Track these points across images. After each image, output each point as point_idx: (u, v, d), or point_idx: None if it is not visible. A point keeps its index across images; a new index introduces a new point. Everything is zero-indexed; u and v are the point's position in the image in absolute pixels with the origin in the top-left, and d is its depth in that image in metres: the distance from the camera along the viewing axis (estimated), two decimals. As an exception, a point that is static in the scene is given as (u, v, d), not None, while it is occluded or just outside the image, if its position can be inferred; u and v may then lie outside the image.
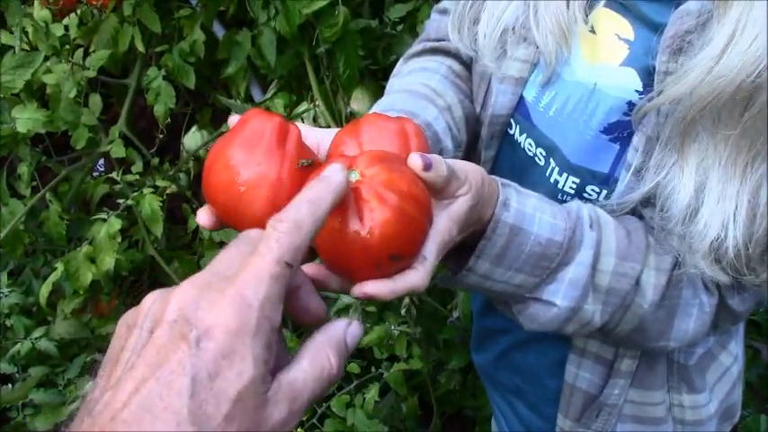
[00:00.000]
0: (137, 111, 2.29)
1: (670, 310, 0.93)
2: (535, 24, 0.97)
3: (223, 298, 0.51)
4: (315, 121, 1.94)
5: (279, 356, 0.54)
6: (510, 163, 1.07)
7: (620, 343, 1.03)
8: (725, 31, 0.80)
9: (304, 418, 1.85)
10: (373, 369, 1.97)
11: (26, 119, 1.77)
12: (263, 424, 0.50)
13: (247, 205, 0.74)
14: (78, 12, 2.03)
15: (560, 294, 0.88)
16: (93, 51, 1.99)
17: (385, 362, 1.96)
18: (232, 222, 0.76)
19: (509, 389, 1.30)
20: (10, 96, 1.79)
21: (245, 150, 0.74)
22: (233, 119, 0.79)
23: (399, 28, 1.93)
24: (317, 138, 0.84)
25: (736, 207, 0.84)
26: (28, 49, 1.94)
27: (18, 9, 1.85)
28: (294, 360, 0.54)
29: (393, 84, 1.12)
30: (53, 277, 1.84)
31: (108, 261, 1.81)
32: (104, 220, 1.82)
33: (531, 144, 1.03)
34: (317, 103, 1.94)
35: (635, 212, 0.95)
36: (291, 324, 1.95)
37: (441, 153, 0.99)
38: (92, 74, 1.94)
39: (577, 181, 0.98)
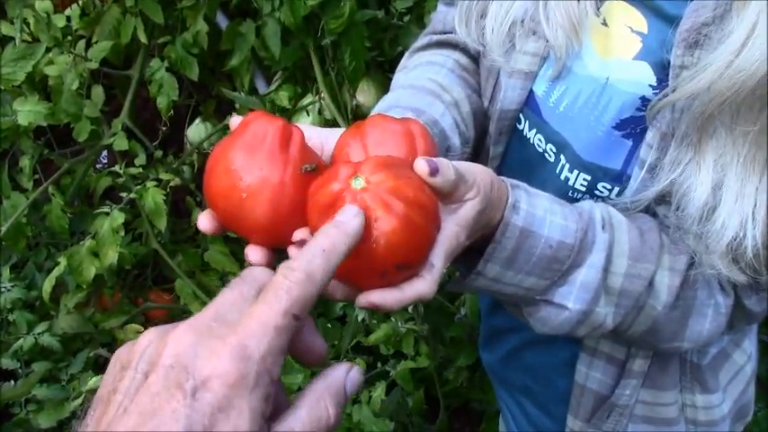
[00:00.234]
0: (139, 102, 2.27)
1: (684, 311, 0.91)
2: (545, 17, 0.95)
3: (223, 347, 0.49)
4: (320, 114, 1.92)
5: (277, 397, 0.52)
6: (519, 159, 1.05)
7: (633, 344, 1.02)
8: (745, 24, 0.78)
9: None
10: (379, 365, 1.95)
11: (28, 111, 1.76)
12: None
13: (249, 211, 0.72)
14: (80, 2, 2.01)
15: (572, 297, 0.86)
16: (96, 42, 1.97)
17: (391, 358, 1.95)
18: (234, 228, 0.75)
19: (518, 388, 1.28)
20: (11, 88, 1.78)
21: (246, 154, 0.72)
22: (235, 120, 0.77)
23: (406, 19, 1.91)
24: (321, 139, 0.82)
25: (756, 205, 0.82)
26: (29, 40, 1.92)
27: (19, 0, 1.82)
28: (291, 408, 0.52)
29: (398, 79, 1.10)
30: (56, 272, 1.83)
31: (111, 255, 1.80)
32: (107, 214, 1.81)
33: (540, 140, 1.00)
34: (322, 95, 1.92)
35: (648, 210, 0.92)
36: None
37: (448, 150, 0.97)
38: (94, 65, 1.93)
39: (589, 178, 0.96)
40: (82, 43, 1.95)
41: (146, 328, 2.00)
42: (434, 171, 0.71)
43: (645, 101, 0.90)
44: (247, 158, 0.72)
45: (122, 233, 1.81)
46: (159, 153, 2.12)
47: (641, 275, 0.88)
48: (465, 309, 1.90)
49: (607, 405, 1.07)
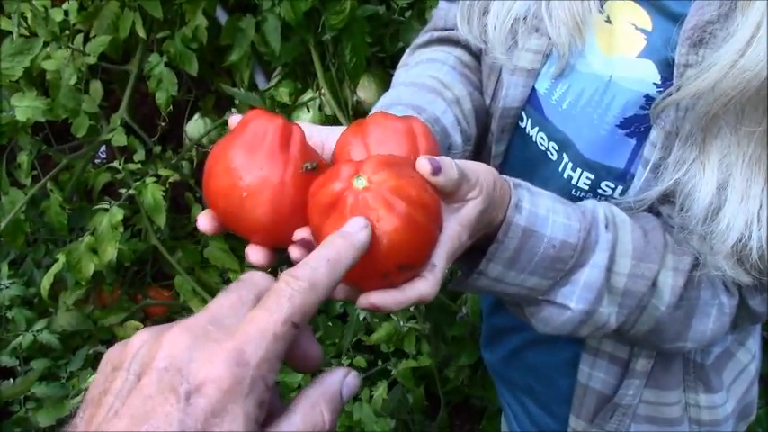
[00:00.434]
0: (138, 97, 2.27)
1: (688, 311, 0.90)
2: (547, 14, 0.94)
3: (220, 351, 0.48)
4: (320, 110, 1.91)
5: (271, 402, 0.51)
6: (521, 158, 1.04)
7: (636, 344, 1.01)
8: (750, 23, 0.77)
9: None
10: (380, 362, 1.95)
11: (25, 107, 1.75)
12: None
13: (249, 211, 0.72)
14: (78, -4, 1.99)
15: (574, 297, 0.86)
16: (94, 37, 1.96)
17: (392, 356, 1.94)
18: (234, 228, 0.74)
19: (520, 387, 1.28)
20: (9, 84, 1.76)
21: (246, 153, 0.72)
22: (234, 119, 0.76)
23: (407, 14, 1.90)
24: (322, 137, 0.81)
25: (761, 206, 0.81)
26: (27, 35, 1.91)
27: (16, -6, 1.82)
28: (286, 413, 0.51)
29: (399, 76, 1.09)
30: (55, 268, 1.82)
31: (110, 252, 1.79)
32: (106, 210, 1.80)
33: (543, 138, 1.00)
34: (322, 91, 1.91)
35: (652, 210, 0.92)
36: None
37: (449, 148, 0.96)
38: (92, 60, 1.92)
39: (592, 177, 0.96)
40: (80, 38, 1.93)
41: (145, 325, 2.01)
42: (437, 170, 0.70)
43: (649, 99, 0.89)
44: (247, 157, 0.71)
45: (121, 229, 1.81)
46: (158, 149, 2.11)
47: (645, 275, 0.87)
48: (466, 308, 1.89)
49: (610, 405, 1.06)
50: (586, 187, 0.96)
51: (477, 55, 1.10)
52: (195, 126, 2.21)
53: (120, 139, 1.94)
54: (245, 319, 0.50)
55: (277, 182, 0.71)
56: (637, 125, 0.91)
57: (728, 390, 1.11)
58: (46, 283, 1.84)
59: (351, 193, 0.67)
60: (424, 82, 1.02)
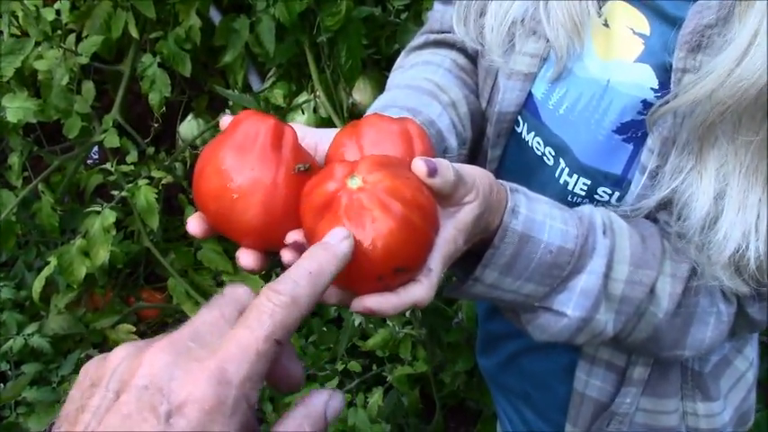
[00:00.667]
0: (131, 97, 2.25)
1: (686, 318, 0.89)
2: (545, 17, 0.93)
3: (201, 370, 0.46)
4: (315, 112, 1.90)
5: (248, 423, 0.50)
6: (517, 162, 1.03)
7: (633, 351, 1.00)
8: (747, 31, 0.76)
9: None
10: (374, 367, 1.93)
11: (17, 108, 1.74)
12: None
13: (241, 213, 0.70)
14: (70, -5, 1.98)
15: (571, 304, 0.84)
16: (86, 37, 1.95)
17: (387, 361, 1.93)
18: (225, 231, 0.73)
19: (516, 394, 1.26)
20: (0, 84, 1.75)
21: (237, 154, 0.71)
22: (225, 120, 0.75)
23: (404, 16, 1.89)
24: (315, 139, 0.80)
25: (758, 216, 0.80)
26: (18, 34, 1.90)
27: (7, -7, 1.81)
28: None
29: (394, 78, 1.07)
30: (46, 271, 1.81)
31: (102, 254, 1.78)
32: (98, 213, 1.78)
33: (539, 143, 0.98)
34: (317, 93, 1.90)
35: (649, 216, 0.91)
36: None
37: (445, 152, 0.95)
38: (84, 60, 1.91)
39: (588, 182, 0.95)
40: (72, 37, 1.92)
41: (138, 328, 2.00)
42: (433, 171, 0.69)
43: (646, 104, 0.88)
44: (238, 158, 0.70)
45: (114, 232, 1.79)
46: (151, 150, 2.10)
47: (643, 282, 0.86)
48: (462, 314, 1.88)
49: (607, 413, 1.05)
50: (583, 193, 0.95)
51: (473, 57, 1.09)
52: (188, 127, 2.20)
53: (112, 140, 1.93)
54: (227, 337, 0.49)
55: (269, 183, 0.70)
56: (634, 130, 0.90)
57: (726, 398, 1.09)
58: (37, 286, 1.82)
59: (345, 194, 0.66)
60: (419, 84, 1.01)
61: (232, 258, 2.03)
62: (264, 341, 0.49)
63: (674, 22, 0.84)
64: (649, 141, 0.87)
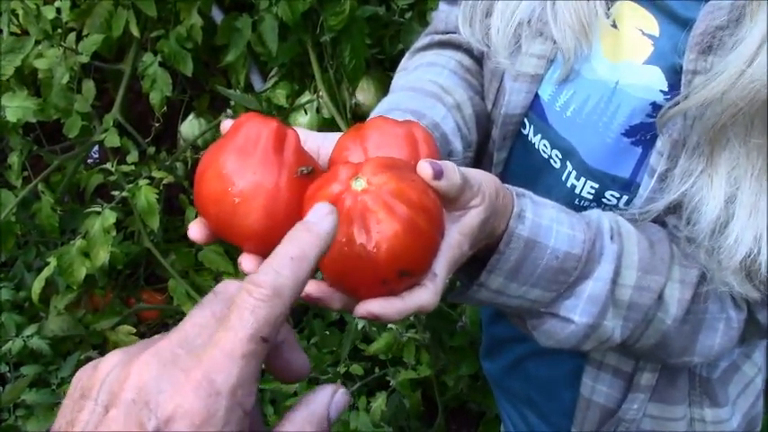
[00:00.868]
0: (132, 96, 2.24)
1: (695, 325, 0.88)
2: (552, 18, 0.92)
3: (187, 381, 0.44)
4: (318, 113, 1.89)
5: (253, 425, 0.48)
6: (523, 165, 1.01)
7: (641, 357, 0.99)
8: (758, 31, 0.74)
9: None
10: (377, 369, 1.92)
11: (16, 107, 1.73)
12: None
13: (242, 217, 0.69)
14: (70, -7, 1.97)
15: (578, 310, 0.83)
16: (87, 35, 1.94)
17: (390, 364, 1.92)
18: (226, 236, 0.72)
19: (520, 398, 1.25)
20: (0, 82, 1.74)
21: (239, 158, 0.69)
22: (226, 123, 0.74)
23: (408, 15, 1.88)
24: (318, 143, 0.79)
25: None
26: (18, 33, 1.89)
27: (7, -9, 1.79)
28: None
29: (398, 80, 1.06)
30: (46, 272, 1.80)
31: (102, 255, 1.77)
32: (99, 213, 1.77)
33: (546, 146, 0.97)
34: (320, 93, 1.89)
35: (657, 219, 0.89)
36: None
37: (450, 155, 0.94)
38: (85, 59, 1.90)
39: (596, 186, 0.93)
40: (72, 36, 1.91)
41: (138, 329, 1.98)
42: (439, 174, 0.68)
43: (656, 107, 0.86)
44: (240, 162, 0.69)
45: (114, 233, 1.78)
46: (152, 150, 2.09)
47: (651, 288, 0.85)
48: (466, 317, 1.87)
49: (614, 419, 1.04)
50: (590, 197, 0.94)
51: (478, 59, 1.08)
52: (190, 127, 2.18)
53: (113, 139, 1.92)
54: (211, 342, 0.46)
55: (271, 187, 0.69)
56: (643, 133, 0.89)
57: (734, 404, 1.08)
58: (37, 287, 1.81)
59: (349, 195, 0.65)
60: (423, 86, 0.99)
61: (233, 259, 2.02)
62: (249, 341, 0.45)
63: (685, 24, 0.83)
64: (659, 144, 0.86)
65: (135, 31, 1.93)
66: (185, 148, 2.14)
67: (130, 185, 1.85)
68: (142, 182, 1.86)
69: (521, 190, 0.81)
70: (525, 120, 0.99)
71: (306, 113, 1.90)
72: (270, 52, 1.86)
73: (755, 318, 0.89)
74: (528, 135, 1.00)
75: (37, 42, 1.82)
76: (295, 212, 0.68)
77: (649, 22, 0.87)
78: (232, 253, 2.04)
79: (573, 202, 0.95)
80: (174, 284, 2.02)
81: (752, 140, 0.78)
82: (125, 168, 1.92)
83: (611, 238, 0.84)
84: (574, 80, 0.93)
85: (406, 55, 1.14)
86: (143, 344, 0.48)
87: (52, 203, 1.88)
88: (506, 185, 0.79)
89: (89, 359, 1.87)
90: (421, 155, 0.74)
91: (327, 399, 0.50)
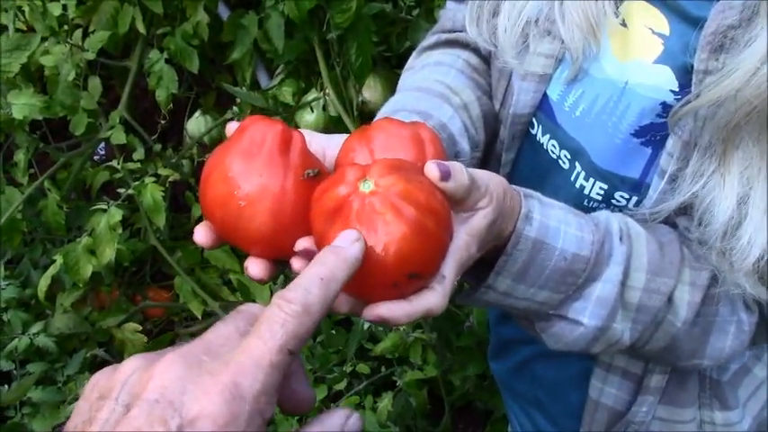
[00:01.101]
0: (138, 92, 2.24)
1: (705, 327, 0.87)
2: (560, 17, 0.90)
3: (214, 385, 0.45)
4: (324, 110, 1.88)
5: None
6: (531, 166, 1.01)
7: (651, 360, 0.98)
8: None
9: (310, 419, 1.81)
10: (383, 369, 1.92)
11: (22, 104, 1.72)
12: None
13: (248, 221, 0.69)
14: (77, -10, 1.96)
15: (587, 313, 0.83)
16: (93, 32, 1.93)
17: (396, 363, 1.92)
18: (232, 240, 0.71)
19: (528, 400, 1.24)
20: (6, 80, 1.73)
21: (244, 161, 0.69)
22: (231, 126, 0.73)
23: (415, 13, 1.87)
24: (323, 144, 0.79)
25: None
26: (24, 29, 1.88)
27: (13, -12, 1.79)
28: None
29: (405, 80, 1.06)
30: (52, 270, 1.80)
31: (109, 253, 1.76)
32: (105, 210, 1.77)
33: (554, 146, 0.96)
34: (326, 90, 1.88)
35: (668, 221, 0.88)
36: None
37: (457, 156, 0.93)
38: (91, 56, 1.89)
39: (605, 187, 0.92)
40: (78, 33, 1.91)
41: (144, 327, 1.98)
42: (446, 175, 0.67)
43: (666, 107, 0.85)
44: (245, 165, 0.68)
45: (120, 230, 1.78)
46: (158, 147, 2.08)
47: (660, 290, 0.84)
48: (473, 318, 1.86)
49: (622, 422, 1.03)
50: (599, 198, 0.93)
51: (486, 57, 1.07)
52: (196, 124, 2.18)
53: (119, 136, 1.91)
54: (239, 349, 0.48)
55: (277, 190, 0.68)
56: (653, 134, 0.88)
57: (745, 406, 1.07)
58: (43, 284, 1.81)
59: (357, 198, 0.64)
60: (430, 86, 0.99)
61: (239, 257, 2.02)
62: (278, 352, 0.47)
63: (696, 22, 0.81)
64: (669, 145, 0.85)
65: (141, 28, 1.93)
66: (191, 146, 2.14)
67: (136, 183, 1.85)
68: (148, 179, 1.86)
69: (528, 191, 0.80)
70: (534, 119, 0.98)
71: (312, 111, 1.89)
72: (276, 49, 1.85)
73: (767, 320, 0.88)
74: (536, 135, 0.99)
75: (43, 39, 1.82)
76: (302, 215, 0.68)
77: (659, 21, 0.86)
78: (238, 250, 2.03)
79: (582, 204, 0.94)
80: (180, 282, 2.02)
81: (766, 139, 0.77)
82: (131, 165, 1.92)
83: (620, 239, 0.83)
84: (582, 80, 0.92)
85: (413, 54, 1.13)
86: (161, 351, 0.49)
87: (58, 201, 1.88)
88: (514, 186, 0.79)
89: (95, 357, 1.88)
90: (427, 156, 0.74)
91: (342, 421, 0.51)
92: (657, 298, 0.84)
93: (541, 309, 0.83)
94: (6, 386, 1.77)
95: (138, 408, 0.44)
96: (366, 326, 1.82)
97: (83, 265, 1.77)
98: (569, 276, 0.80)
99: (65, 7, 1.93)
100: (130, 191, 1.83)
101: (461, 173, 0.69)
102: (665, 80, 0.85)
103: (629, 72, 0.88)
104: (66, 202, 1.96)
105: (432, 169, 0.67)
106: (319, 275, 0.53)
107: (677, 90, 0.84)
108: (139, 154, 1.98)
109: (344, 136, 0.78)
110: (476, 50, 1.07)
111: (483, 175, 0.73)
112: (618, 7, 0.89)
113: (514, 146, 1.01)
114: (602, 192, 0.93)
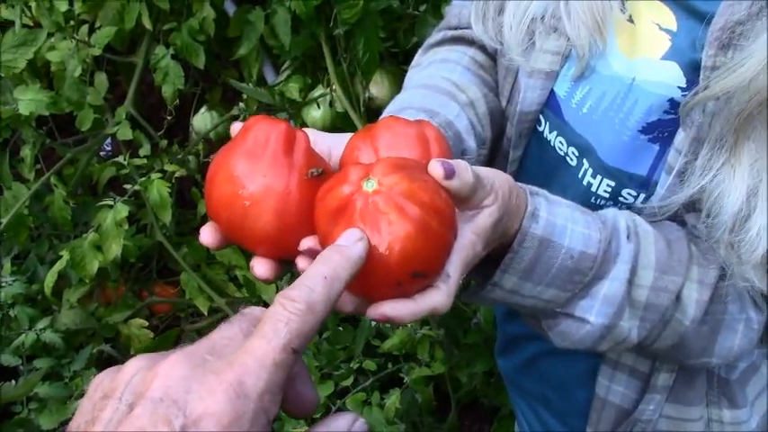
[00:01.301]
0: (144, 88, 2.24)
1: (714, 326, 0.87)
2: (566, 14, 0.90)
3: (219, 384, 0.45)
4: (331, 107, 1.88)
5: None
6: (539, 163, 1.00)
7: (658, 358, 0.98)
8: None
9: (317, 415, 1.81)
10: (390, 365, 1.92)
11: (29, 100, 1.71)
12: None
13: (253, 221, 0.69)
14: (83, -14, 1.96)
15: (594, 311, 0.82)
16: (99, 28, 1.93)
17: (403, 360, 1.92)
18: (238, 240, 0.71)
19: (535, 397, 1.24)
20: (12, 75, 1.73)
21: (248, 161, 0.69)
22: (236, 126, 0.73)
23: (422, 8, 1.86)
24: (328, 144, 0.78)
25: None
26: (31, 25, 1.88)
27: (20, -17, 1.79)
28: None
29: (411, 77, 1.05)
30: (58, 266, 1.79)
31: (115, 249, 1.76)
32: (111, 206, 1.77)
33: (561, 143, 0.96)
34: (333, 86, 1.88)
35: (676, 218, 0.88)
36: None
37: (463, 153, 0.93)
38: (97, 51, 1.89)
39: (613, 184, 0.92)
40: (85, 28, 1.90)
41: (150, 323, 1.98)
42: (450, 174, 0.67)
43: (673, 103, 0.85)
44: (249, 165, 0.68)
45: (126, 226, 1.78)
46: (164, 143, 2.08)
47: (668, 288, 0.83)
48: (480, 315, 1.86)
49: (630, 420, 1.03)
50: (607, 195, 0.93)
51: (492, 54, 1.07)
52: (202, 119, 2.18)
53: (125, 132, 1.91)
54: (243, 349, 0.48)
55: (281, 189, 0.68)
56: (660, 130, 0.87)
57: (753, 405, 1.07)
58: (49, 280, 1.81)
59: (360, 197, 0.64)
60: (436, 84, 0.98)
61: (245, 253, 2.02)
62: (281, 351, 0.48)
63: (703, 18, 0.81)
64: (677, 141, 0.84)
65: (147, 24, 1.92)
66: (197, 141, 2.13)
67: (143, 178, 1.85)
68: (154, 175, 1.86)
69: (535, 188, 0.80)
70: (541, 117, 0.98)
71: (319, 107, 1.89)
72: (283, 45, 1.84)
73: None
74: (543, 132, 0.98)
75: (49, 35, 1.81)
76: (306, 215, 0.68)
77: (667, 17, 0.86)
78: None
79: (589, 201, 0.94)
80: (186, 278, 2.02)
81: None
82: (137, 161, 1.92)
83: (628, 237, 0.83)
84: (589, 76, 0.92)
85: (419, 51, 1.13)
86: (166, 352, 0.49)
87: (65, 196, 1.88)
88: (520, 184, 0.78)
89: (101, 352, 1.88)
90: (432, 154, 0.74)
91: (348, 425, 0.52)
92: (665, 296, 0.83)
93: (548, 307, 0.83)
94: (13, 382, 1.77)
95: (142, 407, 0.44)
96: (373, 323, 1.82)
97: (89, 261, 1.77)
98: (576, 274, 0.80)
99: (71, 3, 1.92)
100: (137, 187, 1.83)
101: (466, 171, 0.68)
102: (673, 76, 0.85)
103: (636, 68, 0.88)
104: (73, 198, 1.96)
105: (436, 168, 0.67)
106: (323, 274, 0.53)
107: (685, 86, 0.84)
108: (146, 150, 1.99)
109: (350, 135, 0.78)
110: (482, 47, 1.06)
111: (488, 173, 0.73)
112: (624, 4, 0.89)
113: (521, 143, 1.00)
114: (609, 189, 0.92)
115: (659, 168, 0.88)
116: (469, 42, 1.07)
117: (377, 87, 1.89)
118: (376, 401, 1.85)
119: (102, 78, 2.01)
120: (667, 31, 0.86)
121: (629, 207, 0.91)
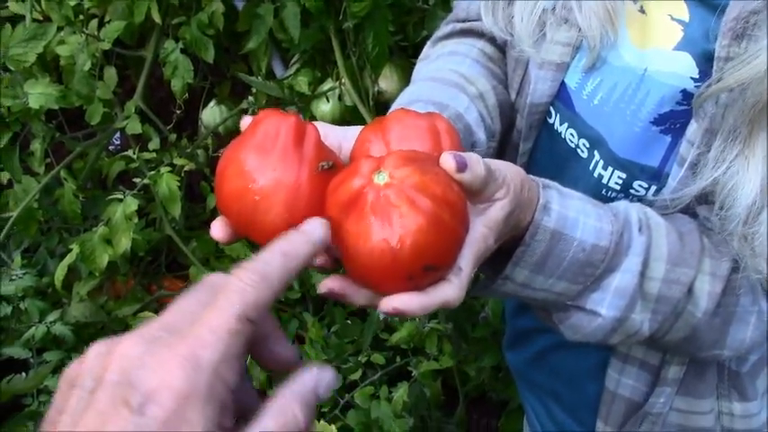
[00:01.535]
0: (153, 82, 2.23)
1: (726, 318, 0.86)
2: (577, 4, 0.90)
3: (172, 357, 0.46)
4: (340, 100, 1.87)
5: (248, 399, 0.52)
6: (549, 155, 1.00)
7: (670, 351, 0.97)
8: None
9: (325, 409, 1.81)
10: (398, 359, 1.92)
11: (39, 94, 1.71)
12: None
13: (263, 214, 0.68)
14: (92, -20, 1.96)
15: (605, 304, 0.82)
16: (109, 22, 1.92)
17: (412, 354, 1.92)
18: (248, 234, 0.71)
19: (544, 390, 1.24)
20: (22, 70, 1.73)
21: (258, 155, 0.68)
22: (245, 120, 0.73)
23: (432, 2, 1.86)
24: (339, 137, 0.78)
25: None
26: (40, 19, 1.88)
27: (29, -23, 1.78)
28: (257, 416, 0.49)
29: (420, 70, 1.05)
30: (68, 259, 1.80)
31: (124, 242, 1.77)
32: (120, 200, 1.77)
33: (572, 135, 0.95)
34: (342, 80, 1.87)
35: (688, 210, 0.87)
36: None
37: (473, 146, 0.93)
38: (107, 46, 1.88)
39: (624, 176, 0.92)
40: (94, 23, 1.90)
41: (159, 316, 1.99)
42: (462, 166, 0.67)
43: (686, 94, 0.85)
44: (259, 159, 0.68)
45: (135, 220, 1.78)
46: (173, 137, 2.08)
47: (680, 281, 0.83)
48: (488, 308, 1.85)
49: (640, 413, 1.02)
50: (618, 187, 0.93)
51: (501, 46, 1.06)
52: (211, 113, 2.18)
53: (134, 126, 1.91)
54: (198, 322, 0.48)
55: (291, 183, 0.68)
56: (672, 122, 0.87)
57: (763, 397, 1.06)
58: (59, 273, 1.81)
59: (372, 190, 0.64)
60: (445, 77, 0.98)
61: (254, 247, 2.02)
62: (236, 321, 0.48)
63: (716, 8, 0.80)
64: (689, 132, 0.84)
65: (157, 18, 1.91)
66: (206, 135, 2.14)
67: (152, 172, 1.85)
68: (164, 169, 1.86)
69: (547, 181, 0.80)
70: (551, 108, 0.97)
71: (328, 101, 1.89)
72: (292, 39, 1.84)
73: None
74: (554, 124, 0.98)
75: (59, 29, 1.81)
76: (316, 208, 0.68)
77: (679, 7, 0.86)
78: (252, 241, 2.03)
79: (600, 193, 0.93)
80: (195, 271, 2.02)
81: None
82: (147, 155, 1.92)
83: (640, 229, 0.82)
84: (601, 68, 0.92)
85: (428, 44, 1.12)
86: (122, 335, 0.49)
87: (74, 190, 1.88)
88: (532, 176, 0.78)
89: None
90: (443, 147, 0.73)
91: (314, 377, 0.52)
92: (677, 288, 0.83)
93: (559, 300, 0.83)
94: (23, 374, 1.78)
95: (102, 391, 0.45)
96: (381, 316, 1.82)
97: (99, 255, 1.78)
98: (588, 267, 0.80)
99: (81, -3, 1.93)
100: (146, 180, 1.83)
101: (478, 164, 0.68)
102: (685, 67, 0.84)
103: (648, 59, 0.87)
104: (83, 192, 1.96)
105: (448, 160, 0.67)
106: (281, 250, 0.54)
107: (698, 77, 0.84)
108: (155, 144, 1.98)
109: (360, 128, 0.78)
110: (491, 39, 1.06)
111: (500, 166, 0.72)
112: None
113: (532, 135, 1.00)
114: (620, 181, 0.92)
115: (671, 160, 0.88)
116: (478, 35, 1.06)
117: (386, 81, 1.89)
118: (384, 395, 1.84)
119: (111, 72, 2.00)
120: (679, 21, 0.85)
121: (641, 199, 0.90)
